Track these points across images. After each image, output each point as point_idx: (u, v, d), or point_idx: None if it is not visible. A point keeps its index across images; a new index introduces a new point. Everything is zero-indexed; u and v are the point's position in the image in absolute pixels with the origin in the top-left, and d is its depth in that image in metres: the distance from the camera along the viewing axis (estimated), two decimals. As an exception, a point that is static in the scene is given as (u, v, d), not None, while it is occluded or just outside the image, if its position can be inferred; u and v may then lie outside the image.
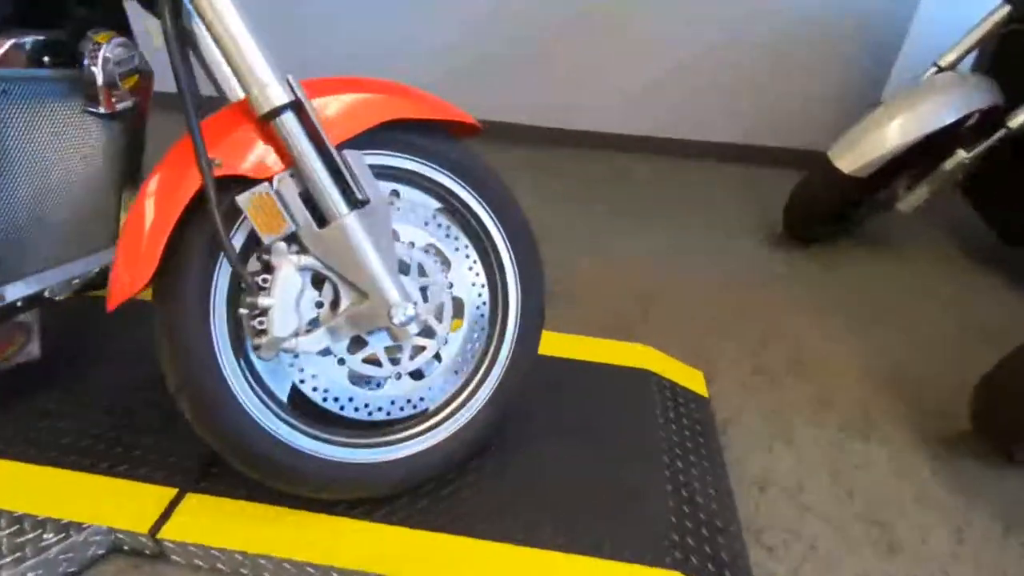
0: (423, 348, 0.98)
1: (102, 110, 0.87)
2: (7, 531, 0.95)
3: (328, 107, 0.86)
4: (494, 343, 1.08)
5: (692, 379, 1.45)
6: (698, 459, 1.20)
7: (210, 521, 0.99)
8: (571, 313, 1.67)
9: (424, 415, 1.04)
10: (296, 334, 0.85)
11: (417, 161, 0.97)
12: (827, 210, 1.95)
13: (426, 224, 0.98)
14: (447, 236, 0.99)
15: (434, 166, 0.98)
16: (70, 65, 0.86)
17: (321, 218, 0.84)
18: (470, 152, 1.02)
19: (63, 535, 0.95)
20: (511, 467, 1.11)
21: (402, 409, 0.98)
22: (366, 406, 0.95)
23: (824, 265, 2.04)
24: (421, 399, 1.00)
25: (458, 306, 1.01)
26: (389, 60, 2.78)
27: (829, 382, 1.53)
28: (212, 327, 0.84)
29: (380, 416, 0.97)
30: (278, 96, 0.78)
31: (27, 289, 0.99)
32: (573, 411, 1.25)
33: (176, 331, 0.83)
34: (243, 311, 0.83)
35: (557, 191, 2.45)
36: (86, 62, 0.84)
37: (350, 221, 0.83)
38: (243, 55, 0.75)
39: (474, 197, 1.02)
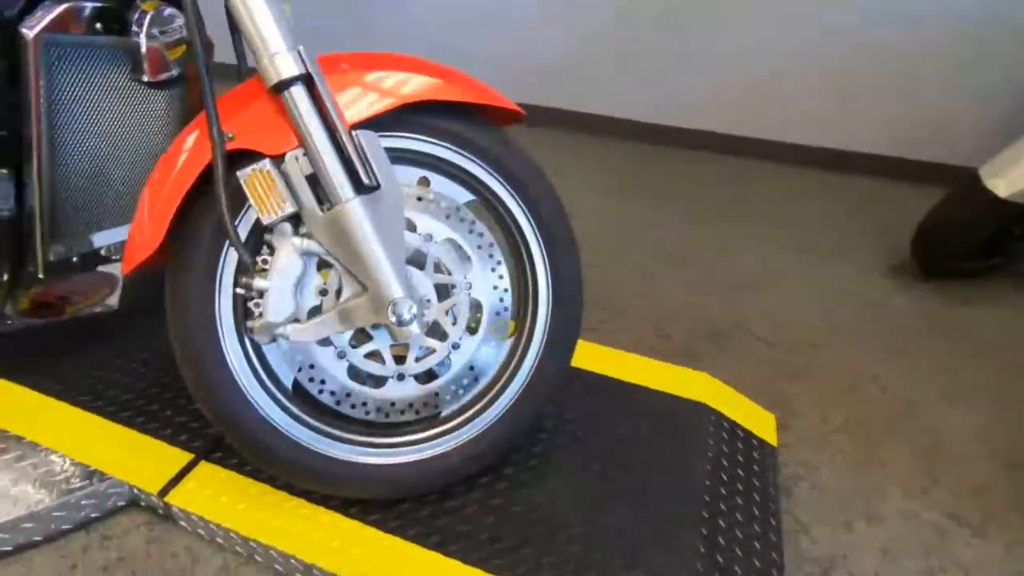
0: (433, 351, 0.91)
1: (146, 78, 0.88)
2: (40, 471, 1.01)
3: (348, 84, 0.81)
4: (518, 352, 0.98)
5: (760, 422, 1.25)
6: (747, 519, 1.02)
7: (214, 493, 0.99)
8: (632, 327, 1.52)
9: (433, 420, 0.97)
10: (292, 320, 0.81)
11: (447, 148, 0.90)
12: (970, 240, 1.61)
13: (447, 217, 0.90)
14: (470, 232, 0.91)
15: (465, 154, 0.90)
16: (122, 33, 0.88)
17: (327, 201, 0.79)
18: (508, 141, 0.93)
19: (87, 482, 1.00)
20: (525, 489, 1.01)
21: (403, 412, 0.92)
22: (364, 404, 0.90)
23: (955, 306, 1.69)
24: (425, 404, 0.93)
25: (476, 309, 0.93)
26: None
27: (940, 452, 1.25)
28: (217, 304, 0.83)
29: (379, 417, 0.91)
30: (288, 67, 0.73)
31: (115, 237, 1.05)
32: (610, 438, 1.12)
33: (181, 304, 0.82)
34: (239, 290, 0.80)
35: (649, 190, 2.28)
36: (133, 30, 0.86)
37: (353, 207, 0.78)
38: (255, 23, 0.72)
39: (508, 191, 0.93)
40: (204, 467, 1.03)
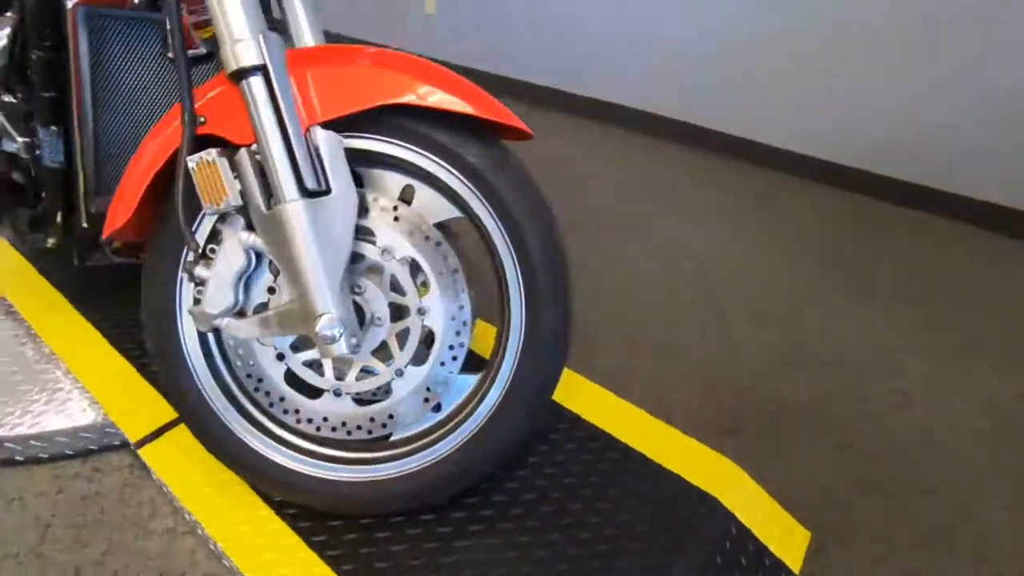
0: (376, 373, 0.85)
1: (171, 54, 0.91)
2: (65, 398, 1.13)
3: (321, 78, 0.76)
4: (479, 393, 0.88)
5: (786, 537, 1.02)
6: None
7: (181, 457, 1.03)
8: (674, 380, 1.32)
9: (382, 443, 0.91)
10: (233, 313, 0.79)
11: (432, 160, 0.82)
12: None
13: (411, 233, 0.82)
14: (435, 252, 0.82)
15: (451, 170, 0.81)
16: (158, 9, 0.92)
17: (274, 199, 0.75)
18: (505, 163, 0.82)
19: (94, 417, 1.10)
20: (466, 541, 0.92)
21: (334, 429, 0.87)
22: (296, 412, 0.86)
23: None
24: (359, 427, 0.87)
25: (429, 339, 0.84)
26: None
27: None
28: (179, 286, 0.84)
29: (309, 429, 0.87)
30: (246, 56, 0.70)
31: None
32: (589, 509, 0.98)
33: (148, 279, 0.85)
34: (183, 274, 0.80)
35: (776, 229, 1.98)
36: (163, 7, 0.89)
37: (293, 208, 0.73)
38: (222, 5, 0.69)
39: (492, 218, 0.82)
40: (182, 430, 1.08)
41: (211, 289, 0.78)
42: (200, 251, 0.78)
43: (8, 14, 0.92)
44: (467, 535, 0.93)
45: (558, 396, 1.20)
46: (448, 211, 0.87)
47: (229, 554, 0.90)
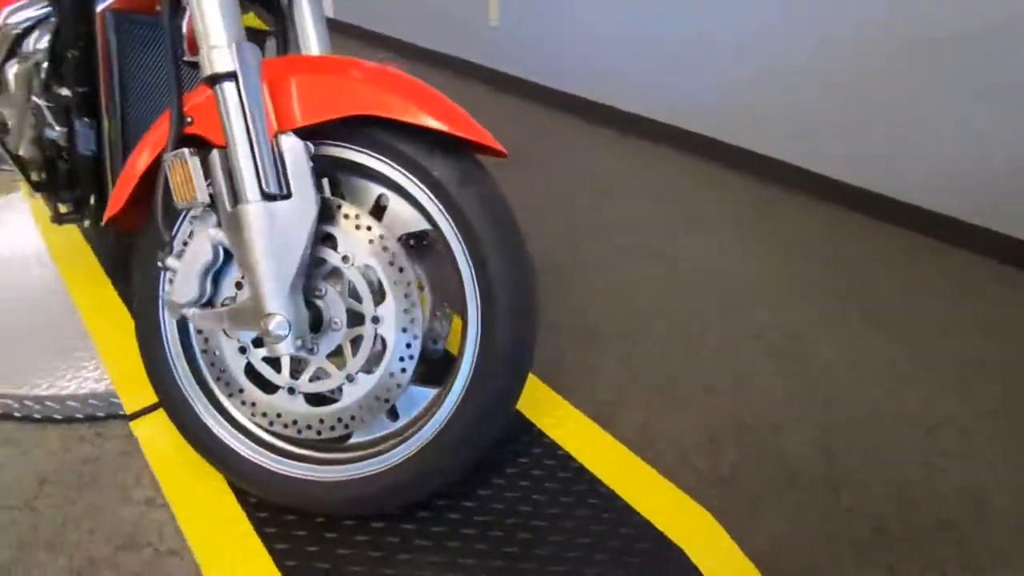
0: (329, 376, 0.86)
1: (185, 57, 0.98)
2: (82, 363, 1.23)
3: (300, 86, 0.79)
4: (434, 405, 0.88)
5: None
6: None
7: (168, 437, 1.09)
8: (660, 419, 1.25)
9: (339, 443, 0.93)
10: (200, 305, 0.83)
11: (400, 172, 0.83)
12: None
13: (371, 242, 0.82)
14: (391, 264, 0.82)
15: (413, 180, 0.82)
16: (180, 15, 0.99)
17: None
18: (472, 180, 0.82)
19: (103, 384, 1.19)
20: (410, 555, 0.91)
21: (286, 426, 0.89)
22: (253, 405, 0.89)
23: None
24: (309, 427, 0.89)
25: (382, 347, 0.84)
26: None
27: None
28: (163, 281, 0.89)
29: (263, 423, 0.90)
30: (220, 62, 0.74)
31: None
32: (541, 540, 0.94)
33: (137, 267, 0.91)
34: (159, 264, 0.85)
35: (826, 277, 1.84)
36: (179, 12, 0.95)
37: (251, 209, 0.76)
38: (201, 11, 0.73)
39: (452, 229, 0.82)
40: (174, 407, 1.14)
41: (179, 280, 0.82)
42: (169, 242, 0.83)
43: (51, 19, 1.03)
44: (413, 548, 0.93)
45: (539, 420, 1.18)
46: (418, 223, 0.87)
47: (185, 531, 0.94)
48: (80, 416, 1.19)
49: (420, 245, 0.99)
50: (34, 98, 1.10)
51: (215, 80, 0.75)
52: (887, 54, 1.91)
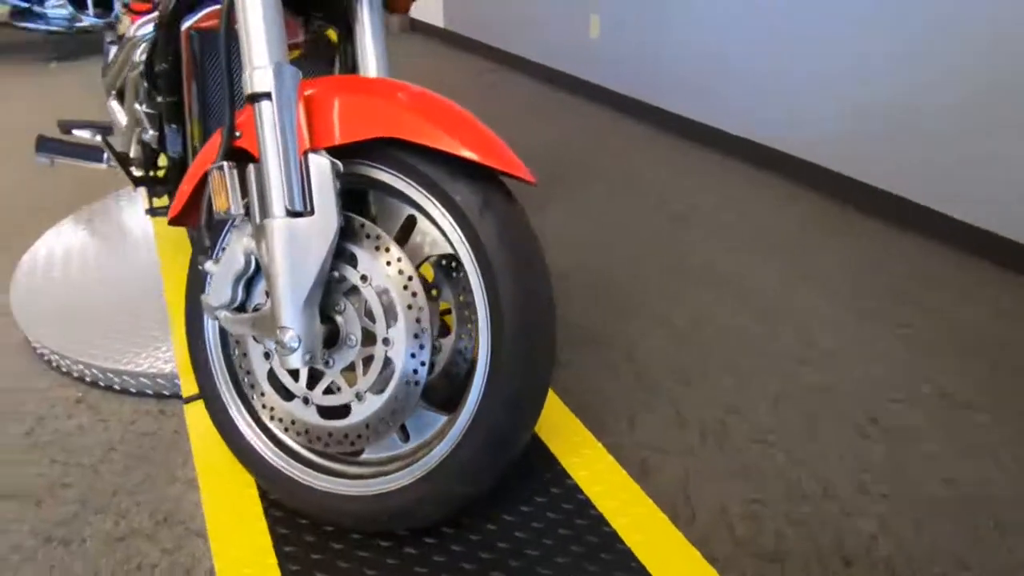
0: (340, 390, 0.87)
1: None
2: (157, 344, 1.35)
3: (331, 106, 0.80)
4: (442, 432, 0.86)
5: None
6: None
7: (210, 425, 1.17)
8: (703, 476, 1.14)
9: (353, 457, 0.94)
10: (228, 308, 0.87)
11: (422, 193, 0.82)
12: None
13: (388, 264, 0.82)
14: (404, 288, 0.82)
15: (436, 204, 0.81)
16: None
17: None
18: (493, 202, 0.79)
19: (171, 366, 1.29)
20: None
21: (299, 434, 0.91)
22: (272, 409, 0.92)
23: None
24: (319, 438, 0.90)
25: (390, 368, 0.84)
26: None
27: None
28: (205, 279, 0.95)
29: (278, 428, 0.92)
30: (259, 82, 0.77)
31: None
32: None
33: (190, 267, 0.97)
34: (198, 266, 0.90)
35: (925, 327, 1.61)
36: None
37: (274, 224, 0.78)
38: (248, 30, 0.77)
39: (469, 256, 0.80)
40: (224, 396, 1.21)
41: (215, 283, 0.87)
42: (210, 247, 0.88)
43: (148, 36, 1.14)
44: (410, 574, 0.91)
45: (564, 458, 1.12)
46: (444, 246, 0.86)
47: (207, 516, 0.99)
48: (150, 392, 1.31)
49: (450, 267, 0.98)
50: (136, 104, 1.22)
51: (254, 99, 0.78)
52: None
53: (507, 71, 3.82)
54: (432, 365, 0.86)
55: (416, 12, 4.84)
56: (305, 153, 0.79)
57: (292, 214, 0.78)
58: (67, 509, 1.08)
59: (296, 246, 0.78)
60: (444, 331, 0.99)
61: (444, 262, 0.98)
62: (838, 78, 2.09)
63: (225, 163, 0.81)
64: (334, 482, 0.92)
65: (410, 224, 0.90)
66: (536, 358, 0.79)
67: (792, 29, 2.22)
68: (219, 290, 0.87)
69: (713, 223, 2.04)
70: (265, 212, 0.79)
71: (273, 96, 0.76)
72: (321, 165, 0.78)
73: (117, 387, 1.32)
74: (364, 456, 0.94)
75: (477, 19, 4.20)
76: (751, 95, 2.42)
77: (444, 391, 0.98)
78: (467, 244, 0.79)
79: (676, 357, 1.44)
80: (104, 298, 1.52)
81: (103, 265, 1.67)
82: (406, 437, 0.92)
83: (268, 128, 0.77)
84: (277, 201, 0.78)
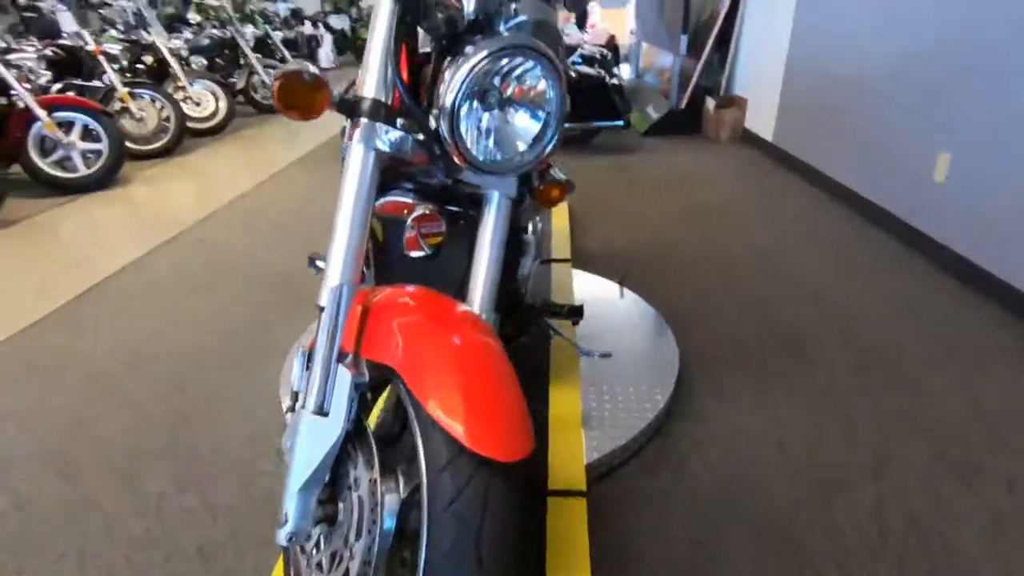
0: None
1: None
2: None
3: (376, 320, 0.91)
4: None
5: None
6: None
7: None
8: None
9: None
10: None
11: (416, 431, 0.83)
12: None
13: (371, 481, 0.85)
14: (372, 509, 0.83)
15: (420, 448, 0.82)
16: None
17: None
18: (470, 492, 0.77)
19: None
20: None
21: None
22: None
23: None
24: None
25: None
26: None
27: None
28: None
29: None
30: (321, 296, 0.90)
31: None
32: None
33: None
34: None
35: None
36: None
37: (298, 416, 0.90)
38: (331, 253, 0.92)
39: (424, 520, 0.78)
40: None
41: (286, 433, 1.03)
42: (291, 406, 1.05)
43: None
44: None
45: None
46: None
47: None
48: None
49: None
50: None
51: (320, 308, 0.92)
52: None
53: (830, 201, 3.34)
54: None
55: (751, 122, 4.65)
56: (341, 356, 0.88)
57: (314, 412, 0.89)
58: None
59: (307, 440, 0.88)
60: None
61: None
62: None
63: (301, 349, 0.97)
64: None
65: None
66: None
67: None
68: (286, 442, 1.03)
69: None
70: (298, 402, 0.92)
71: (327, 312, 0.89)
72: (342, 375, 0.87)
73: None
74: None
75: (807, 137, 3.80)
76: None
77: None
78: (425, 510, 0.77)
79: None
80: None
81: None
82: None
83: (320, 335, 0.90)
84: (307, 398, 0.90)
